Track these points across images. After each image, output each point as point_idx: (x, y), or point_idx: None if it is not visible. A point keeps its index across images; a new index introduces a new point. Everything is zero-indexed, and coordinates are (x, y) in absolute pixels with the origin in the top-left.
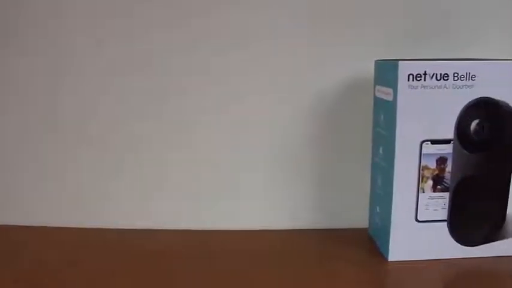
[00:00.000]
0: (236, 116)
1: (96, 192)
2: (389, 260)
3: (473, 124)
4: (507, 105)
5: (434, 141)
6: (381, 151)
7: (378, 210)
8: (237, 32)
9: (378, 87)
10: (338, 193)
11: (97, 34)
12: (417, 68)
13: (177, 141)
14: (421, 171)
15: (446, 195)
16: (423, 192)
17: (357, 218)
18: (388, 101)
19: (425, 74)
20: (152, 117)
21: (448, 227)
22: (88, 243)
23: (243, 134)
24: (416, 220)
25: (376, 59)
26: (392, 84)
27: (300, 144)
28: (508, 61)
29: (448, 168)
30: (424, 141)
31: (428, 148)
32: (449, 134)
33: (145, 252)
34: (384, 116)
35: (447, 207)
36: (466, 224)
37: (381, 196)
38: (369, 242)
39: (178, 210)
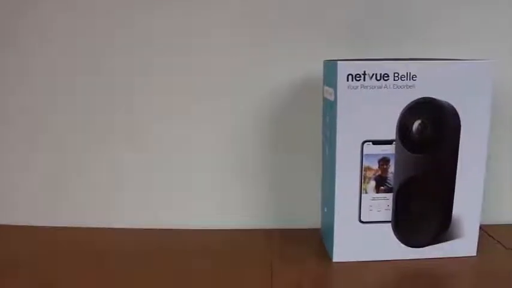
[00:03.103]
0: (186, 116)
1: (52, 191)
2: (334, 260)
3: (415, 124)
4: (449, 105)
5: (375, 142)
6: (327, 152)
7: (325, 210)
8: (182, 33)
9: (325, 87)
10: (293, 194)
11: (46, 35)
12: (356, 68)
13: (130, 142)
14: (363, 172)
15: (390, 196)
16: (366, 193)
17: (313, 218)
18: (331, 101)
19: (364, 74)
20: (105, 118)
21: (392, 228)
22: (40, 242)
23: (194, 135)
24: (360, 221)
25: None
26: (334, 84)
27: (252, 145)
28: (448, 61)
29: (391, 168)
30: (365, 141)
31: (370, 149)
32: (391, 135)
33: (96, 251)
34: (329, 117)
35: (391, 208)
36: (410, 225)
37: (327, 197)
38: (320, 242)
39: (131, 210)
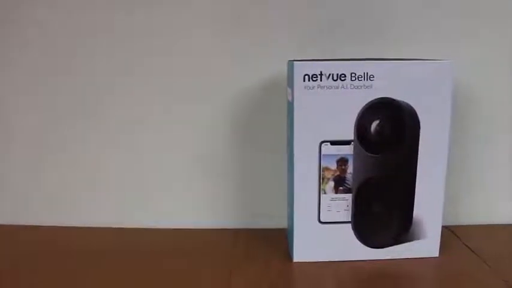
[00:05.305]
0: (158, 116)
1: (26, 190)
2: (294, 260)
3: (374, 125)
4: (407, 105)
5: (333, 142)
6: (288, 152)
7: (289, 211)
8: (158, 33)
9: (287, 89)
10: (263, 194)
11: (25, 35)
12: (312, 68)
13: (105, 142)
14: (321, 173)
15: (349, 196)
16: (325, 193)
17: (282, 218)
18: (291, 102)
19: (321, 74)
20: (80, 118)
21: (352, 228)
22: (17, 241)
23: (164, 135)
24: (319, 221)
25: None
26: (292, 84)
27: (222, 145)
28: (407, 61)
29: (350, 169)
30: (323, 142)
31: (328, 149)
32: (350, 135)
33: (66, 250)
34: (289, 118)
35: (350, 209)
36: (370, 225)
37: (290, 197)
38: (285, 242)
39: (103, 209)
